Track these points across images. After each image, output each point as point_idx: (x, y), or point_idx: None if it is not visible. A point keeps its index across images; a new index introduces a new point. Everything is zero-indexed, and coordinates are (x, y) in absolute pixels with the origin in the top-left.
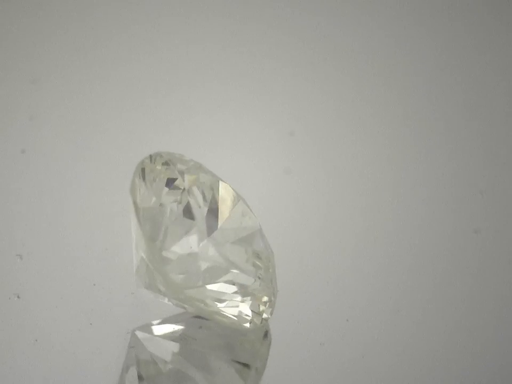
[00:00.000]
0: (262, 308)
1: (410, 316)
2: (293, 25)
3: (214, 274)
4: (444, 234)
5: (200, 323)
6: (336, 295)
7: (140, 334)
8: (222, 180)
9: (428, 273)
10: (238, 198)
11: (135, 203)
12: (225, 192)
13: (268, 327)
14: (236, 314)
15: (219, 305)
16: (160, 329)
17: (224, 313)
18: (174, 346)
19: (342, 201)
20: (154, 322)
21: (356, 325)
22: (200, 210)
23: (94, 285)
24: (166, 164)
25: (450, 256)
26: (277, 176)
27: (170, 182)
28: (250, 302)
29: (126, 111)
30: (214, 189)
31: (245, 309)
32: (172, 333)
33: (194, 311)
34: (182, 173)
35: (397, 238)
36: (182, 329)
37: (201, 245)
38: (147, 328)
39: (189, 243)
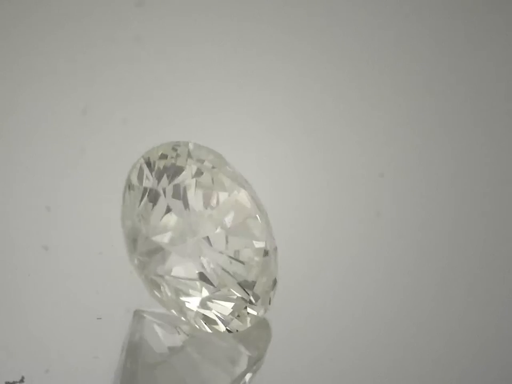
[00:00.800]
0: (235, 317)
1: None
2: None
3: (188, 272)
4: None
5: None
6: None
7: (138, 315)
8: (244, 188)
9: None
10: (256, 212)
11: (127, 180)
12: (241, 201)
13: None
14: (204, 313)
15: (184, 298)
16: (158, 316)
17: (188, 308)
18: (166, 338)
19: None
20: (154, 306)
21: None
22: (202, 212)
23: (100, 253)
24: (179, 155)
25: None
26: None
27: (177, 173)
28: (228, 308)
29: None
30: (229, 194)
31: (216, 310)
32: (168, 322)
33: (154, 299)
34: (199, 170)
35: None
36: (178, 321)
37: (189, 244)
38: (146, 311)
39: (172, 237)
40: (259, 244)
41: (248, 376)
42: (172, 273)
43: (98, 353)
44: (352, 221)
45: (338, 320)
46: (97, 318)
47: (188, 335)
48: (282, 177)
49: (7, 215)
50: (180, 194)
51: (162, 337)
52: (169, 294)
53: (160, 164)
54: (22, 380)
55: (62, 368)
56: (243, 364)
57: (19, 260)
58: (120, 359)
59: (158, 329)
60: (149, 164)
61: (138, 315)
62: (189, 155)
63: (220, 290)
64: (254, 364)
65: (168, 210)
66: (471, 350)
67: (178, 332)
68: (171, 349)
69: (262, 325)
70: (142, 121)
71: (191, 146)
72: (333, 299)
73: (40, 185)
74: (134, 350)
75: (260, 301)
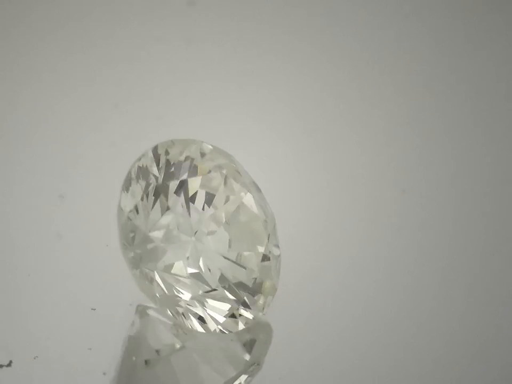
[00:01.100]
0: (229, 317)
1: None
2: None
3: (185, 270)
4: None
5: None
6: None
7: (140, 311)
8: (251, 192)
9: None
10: (262, 216)
11: (130, 172)
12: (246, 204)
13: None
14: (196, 309)
15: (178, 296)
16: (161, 312)
17: (179, 303)
18: (166, 336)
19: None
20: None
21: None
22: (204, 211)
23: (107, 245)
24: (188, 153)
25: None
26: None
27: (183, 171)
28: (221, 308)
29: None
30: (235, 196)
31: (210, 310)
32: (170, 319)
33: (145, 293)
34: (208, 170)
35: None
36: (177, 321)
37: (188, 242)
38: (149, 307)
39: (172, 235)
40: (261, 249)
41: (247, 376)
42: (168, 271)
43: (93, 345)
44: (352, 221)
45: (338, 321)
46: (92, 309)
47: (187, 334)
48: (282, 177)
49: (18, 205)
50: (183, 192)
51: (162, 335)
52: (164, 291)
53: (169, 159)
54: (9, 364)
55: (56, 357)
56: (242, 364)
57: (21, 253)
58: (120, 354)
59: (159, 326)
60: (156, 158)
61: (140, 310)
62: (199, 154)
63: (215, 290)
64: (253, 364)
65: (170, 207)
66: (471, 350)
67: (178, 330)
68: (171, 346)
69: (262, 326)
70: (142, 120)
71: (202, 146)
72: (333, 299)
73: (52, 176)
74: (133, 346)
75: (255, 304)
